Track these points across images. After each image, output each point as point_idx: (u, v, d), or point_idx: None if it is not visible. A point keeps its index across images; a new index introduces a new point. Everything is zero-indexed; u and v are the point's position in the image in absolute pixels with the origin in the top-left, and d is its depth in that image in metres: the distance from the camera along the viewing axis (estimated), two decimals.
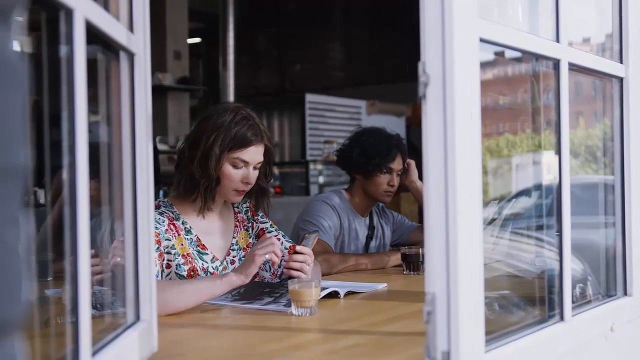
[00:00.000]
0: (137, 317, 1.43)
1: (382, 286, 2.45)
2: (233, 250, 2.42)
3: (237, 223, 2.47)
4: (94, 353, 1.14)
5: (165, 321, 1.83)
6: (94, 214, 1.14)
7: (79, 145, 1.06)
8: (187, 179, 2.29)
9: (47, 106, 1.08)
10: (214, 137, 2.24)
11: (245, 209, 2.52)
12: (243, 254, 2.43)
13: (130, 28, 1.41)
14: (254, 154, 2.30)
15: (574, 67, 1.66)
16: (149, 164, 1.46)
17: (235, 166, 2.28)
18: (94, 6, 1.14)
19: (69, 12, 1.03)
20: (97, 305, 1.41)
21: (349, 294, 2.27)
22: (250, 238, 2.49)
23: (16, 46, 0.62)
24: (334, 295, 2.20)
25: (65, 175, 1.07)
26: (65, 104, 1.06)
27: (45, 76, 1.09)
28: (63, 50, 1.06)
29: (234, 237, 2.44)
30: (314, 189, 7.52)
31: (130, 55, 1.41)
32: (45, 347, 1.23)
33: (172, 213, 2.30)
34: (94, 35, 1.17)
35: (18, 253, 0.61)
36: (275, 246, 2.09)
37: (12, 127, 0.59)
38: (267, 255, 2.05)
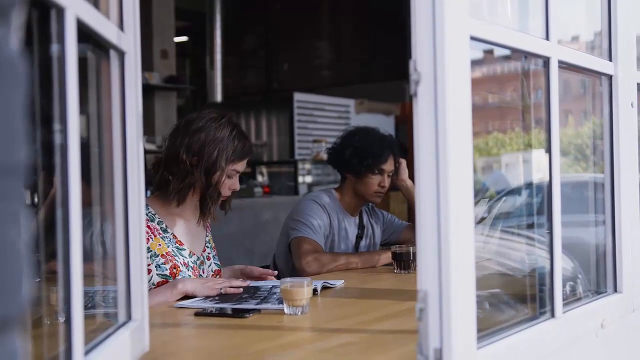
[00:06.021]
0: (129, 317, 1.43)
1: (339, 283, 2.48)
2: (208, 247, 2.55)
3: (207, 224, 2.59)
4: (86, 352, 1.14)
5: (157, 321, 1.82)
6: (84, 215, 1.14)
7: (71, 145, 1.05)
8: (187, 187, 2.37)
9: (37, 105, 1.07)
10: (218, 152, 2.35)
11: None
12: (214, 252, 2.58)
13: (121, 27, 1.40)
14: (245, 164, 2.47)
15: (563, 65, 1.66)
16: (140, 164, 1.45)
17: (229, 176, 2.41)
18: (85, 4, 1.13)
19: (61, 11, 1.03)
20: (87, 304, 1.41)
21: (324, 288, 2.33)
22: (212, 242, 2.64)
23: (15, 45, 0.62)
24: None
25: (55, 175, 1.06)
26: (56, 102, 1.05)
27: (34, 75, 1.08)
28: (54, 48, 1.05)
29: (207, 236, 2.57)
30: (302, 189, 7.50)
31: (121, 54, 1.40)
32: (36, 347, 1.23)
33: (147, 214, 2.35)
34: (84, 34, 1.16)
35: (19, 250, 0.61)
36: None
37: (13, 125, 0.59)
38: (222, 290, 2.22)
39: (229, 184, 2.42)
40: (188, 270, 2.36)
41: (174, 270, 2.33)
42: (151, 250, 2.30)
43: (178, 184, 2.35)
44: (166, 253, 2.34)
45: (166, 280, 2.29)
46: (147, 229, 2.30)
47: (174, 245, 2.38)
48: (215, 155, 2.35)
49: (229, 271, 2.60)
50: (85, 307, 1.15)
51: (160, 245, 2.34)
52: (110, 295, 1.48)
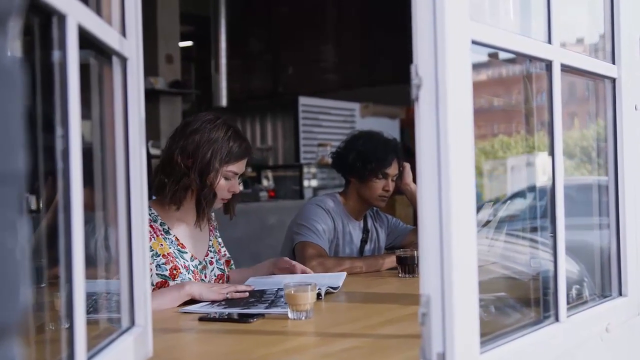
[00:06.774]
0: (132, 322, 1.43)
1: (342, 276, 2.51)
2: (211, 251, 2.54)
3: (211, 228, 2.60)
4: (89, 358, 1.14)
5: (160, 326, 1.82)
6: (88, 220, 1.14)
7: (73, 151, 1.05)
8: (183, 189, 2.36)
9: (39, 111, 1.07)
10: (212, 152, 2.35)
11: (213, 217, 2.66)
12: (218, 256, 2.57)
13: (123, 33, 1.40)
14: (244, 166, 2.46)
15: (566, 68, 1.66)
16: (143, 169, 1.45)
17: (226, 178, 2.40)
18: (87, 11, 1.14)
19: (62, 18, 1.03)
20: (90, 309, 1.41)
21: (328, 293, 2.32)
22: (219, 245, 2.62)
23: (13, 52, 0.62)
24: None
25: (58, 181, 1.06)
26: (58, 109, 1.05)
27: (37, 81, 1.09)
28: (56, 55, 1.06)
29: (210, 240, 2.56)
30: (308, 193, 7.50)
31: (123, 60, 1.40)
32: (40, 352, 1.23)
33: (150, 215, 2.35)
34: (86, 40, 1.16)
35: (17, 257, 0.61)
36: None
37: (11, 132, 0.59)
38: (228, 295, 2.21)
39: (228, 186, 2.41)
40: (188, 273, 2.36)
41: (174, 272, 2.33)
42: (153, 250, 2.30)
43: (173, 186, 2.35)
44: (167, 254, 2.34)
45: (165, 281, 2.29)
46: (149, 228, 2.30)
47: (176, 247, 2.38)
48: (209, 156, 2.34)
49: (265, 267, 2.63)
50: (88, 312, 1.15)
51: (162, 245, 2.34)
52: (114, 298, 1.48)
